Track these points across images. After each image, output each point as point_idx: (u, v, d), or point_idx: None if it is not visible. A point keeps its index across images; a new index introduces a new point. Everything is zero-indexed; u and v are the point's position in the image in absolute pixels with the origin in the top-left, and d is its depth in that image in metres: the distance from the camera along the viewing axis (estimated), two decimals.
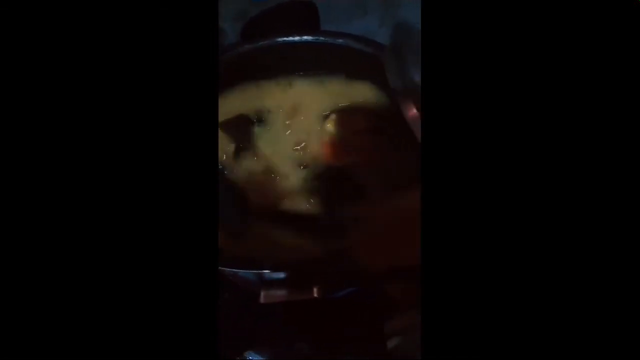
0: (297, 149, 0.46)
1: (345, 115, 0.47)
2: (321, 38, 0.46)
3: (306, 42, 0.46)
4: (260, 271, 0.31)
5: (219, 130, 0.46)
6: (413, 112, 0.29)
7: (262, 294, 0.30)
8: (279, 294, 0.30)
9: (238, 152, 0.45)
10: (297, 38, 0.46)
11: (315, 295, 0.31)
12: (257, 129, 0.46)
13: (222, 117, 0.47)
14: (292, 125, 0.47)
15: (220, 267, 0.32)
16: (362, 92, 0.48)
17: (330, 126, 0.46)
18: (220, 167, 0.45)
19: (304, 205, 0.43)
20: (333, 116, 0.47)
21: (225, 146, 0.46)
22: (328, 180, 0.44)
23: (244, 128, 0.46)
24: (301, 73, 0.48)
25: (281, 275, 0.30)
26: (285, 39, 0.46)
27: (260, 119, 0.47)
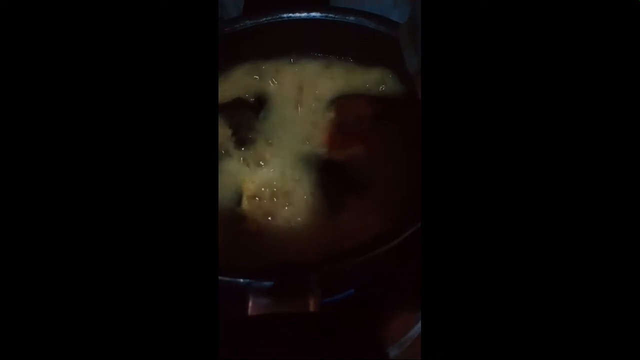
0: (299, 137, 0.42)
1: (353, 101, 0.42)
2: (330, 15, 0.41)
3: (314, 18, 0.42)
4: (248, 279, 0.27)
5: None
6: None
7: (250, 304, 0.26)
8: (270, 303, 0.26)
9: (236, 139, 0.42)
10: (304, 14, 0.42)
11: (311, 303, 0.28)
12: (256, 114, 0.43)
13: (219, 100, 0.43)
14: (295, 111, 0.43)
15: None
16: (373, 76, 0.44)
17: (335, 113, 0.42)
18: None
19: (303, 198, 0.39)
20: (340, 102, 0.42)
21: (223, 132, 0.42)
22: (331, 170, 0.40)
23: (243, 113, 0.42)
24: (307, 54, 0.44)
25: (270, 283, 0.27)
26: (290, 15, 0.42)
27: (260, 103, 0.43)
